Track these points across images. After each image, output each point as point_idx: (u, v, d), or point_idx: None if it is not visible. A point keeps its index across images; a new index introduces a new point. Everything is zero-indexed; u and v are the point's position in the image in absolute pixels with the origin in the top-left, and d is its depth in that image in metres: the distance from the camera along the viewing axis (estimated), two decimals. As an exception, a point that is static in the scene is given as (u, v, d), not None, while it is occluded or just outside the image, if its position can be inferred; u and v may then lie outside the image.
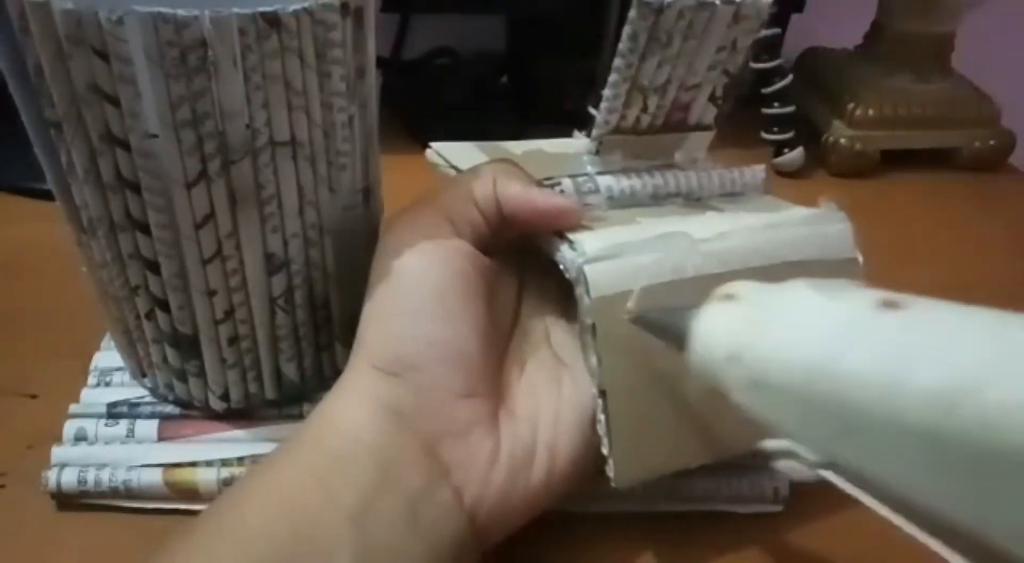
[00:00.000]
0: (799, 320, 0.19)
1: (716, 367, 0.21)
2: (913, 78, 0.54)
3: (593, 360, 0.25)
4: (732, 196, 0.32)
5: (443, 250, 0.25)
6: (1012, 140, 0.56)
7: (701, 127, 0.31)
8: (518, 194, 0.26)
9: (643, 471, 0.26)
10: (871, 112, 0.53)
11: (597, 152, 0.30)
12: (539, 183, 0.28)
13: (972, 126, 0.55)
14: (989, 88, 0.56)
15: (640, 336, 0.25)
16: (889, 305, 0.18)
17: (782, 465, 0.20)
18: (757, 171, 0.32)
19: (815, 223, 0.30)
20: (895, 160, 0.54)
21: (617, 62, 0.28)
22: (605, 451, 0.25)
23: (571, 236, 0.26)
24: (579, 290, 0.26)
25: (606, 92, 0.29)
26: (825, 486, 0.19)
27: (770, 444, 0.20)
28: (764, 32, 0.49)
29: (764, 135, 0.51)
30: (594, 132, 0.30)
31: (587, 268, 0.25)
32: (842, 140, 0.53)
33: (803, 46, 0.61)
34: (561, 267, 0.26)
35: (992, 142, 0.55)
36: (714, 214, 0.30)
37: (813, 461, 0.19)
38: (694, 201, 0.31)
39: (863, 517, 0.30)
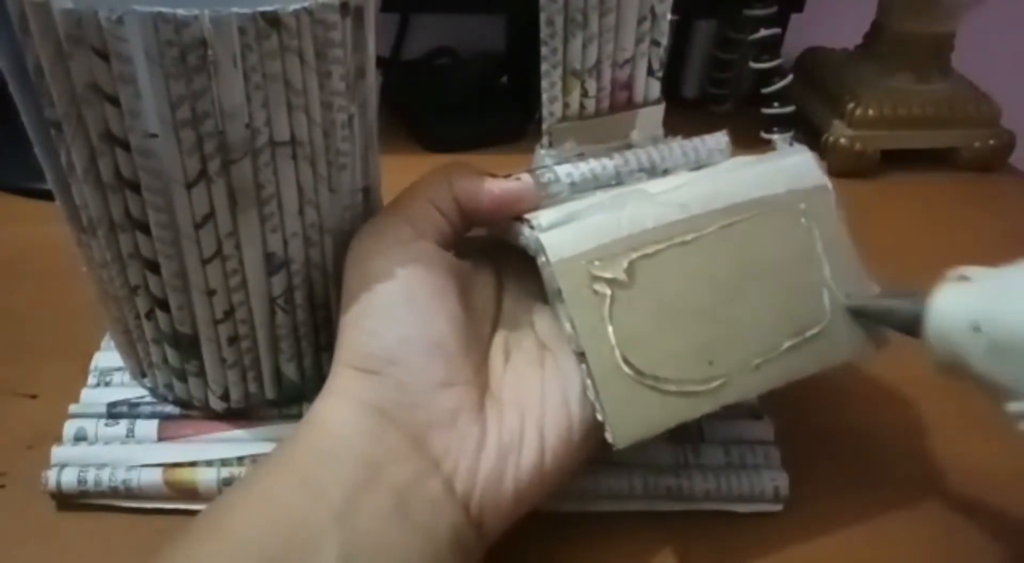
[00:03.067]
0: None
1: (957, 338, 0.24)
2: (913, 78, 0.54)
3: (567, 325, 0.26)
4: (699, 165, 0.31)
5: (408, 252, 0.26)
6: (1012, 140, 0.56)
7: (649, 102, 0.31)
8: (475, 187, 0.27)
9: (641, 429, 0.26)
10: (871, 112, 0.53)
11: (550, 144, 0.30)
12: (494, 175, 0.28)
13: (972, 126, 0.55)
14: (989, 88, 0.56)
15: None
16: None
17: None
18: (719, 137, 0.31)
19: (775, 158, 0.30)
20: (895, 160, 0.54)
21: (543, 50, 0.28)
22: (600, 417, 0.25)
23: (528, 216, 0.27)
24: (540, 260, 0.26)
25: (543, 82, 0.29)
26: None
27: (1014, 406, 0.23)
28: (764, 32, 0.49)
29: (764, 135, 0.51)
30: (543, 125, 0.30)
31: (542, 236, 0.26)
32: (842, 140, 0.53)
33: (803, 46, 0.61)
34: (525, 247, 0.27)
35: (992, 142, 0.55)
36: (676, 176, 0.30)
37: None
38: (660, 174, 0.30)
39: (863, 517, 0.30)
